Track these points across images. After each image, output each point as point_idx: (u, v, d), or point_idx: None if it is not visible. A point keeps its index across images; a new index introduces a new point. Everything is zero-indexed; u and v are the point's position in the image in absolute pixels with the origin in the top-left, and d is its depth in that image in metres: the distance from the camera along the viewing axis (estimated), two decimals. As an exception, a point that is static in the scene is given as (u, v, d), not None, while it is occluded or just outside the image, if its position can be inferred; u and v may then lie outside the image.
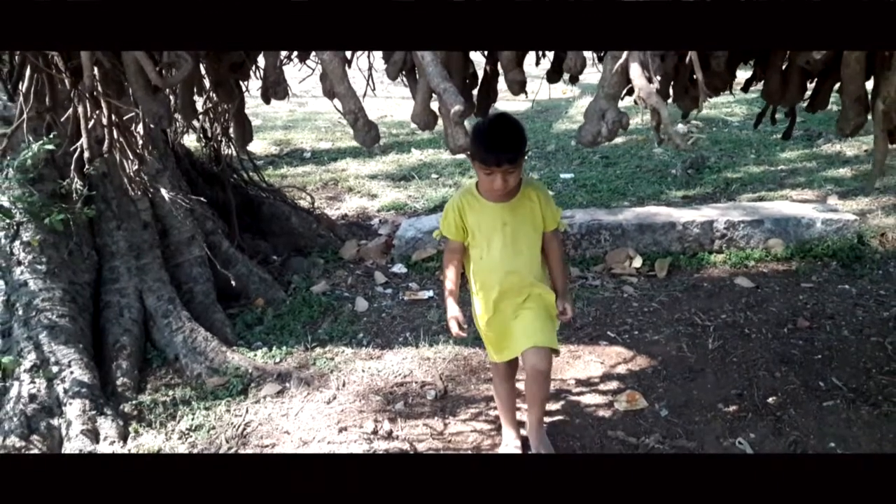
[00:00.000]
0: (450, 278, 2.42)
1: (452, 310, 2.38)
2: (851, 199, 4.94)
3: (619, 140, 6.84)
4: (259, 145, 7.05)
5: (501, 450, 2.59)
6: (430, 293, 3.95)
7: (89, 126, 2.21)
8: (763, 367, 3.06)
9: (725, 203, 4.78)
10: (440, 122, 1.60)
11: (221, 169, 4.45)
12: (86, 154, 2.28)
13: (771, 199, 4.91)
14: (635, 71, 1.14)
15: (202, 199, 3.75)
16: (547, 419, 2.74)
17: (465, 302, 2.53)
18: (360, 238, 4.76)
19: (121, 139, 2.26)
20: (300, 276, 4.16)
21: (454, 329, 2.36)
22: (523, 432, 2.60)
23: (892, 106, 1.18)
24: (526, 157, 2.28)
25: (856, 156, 5.89)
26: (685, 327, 3.44)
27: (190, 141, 4.87)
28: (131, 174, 2.56)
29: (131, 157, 2.42)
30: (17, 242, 3.09)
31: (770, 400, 2.82)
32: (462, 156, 6.36)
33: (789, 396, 2.84)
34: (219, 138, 4.37)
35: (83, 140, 2.23)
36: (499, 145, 2.17)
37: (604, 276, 4.08)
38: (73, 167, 2.81)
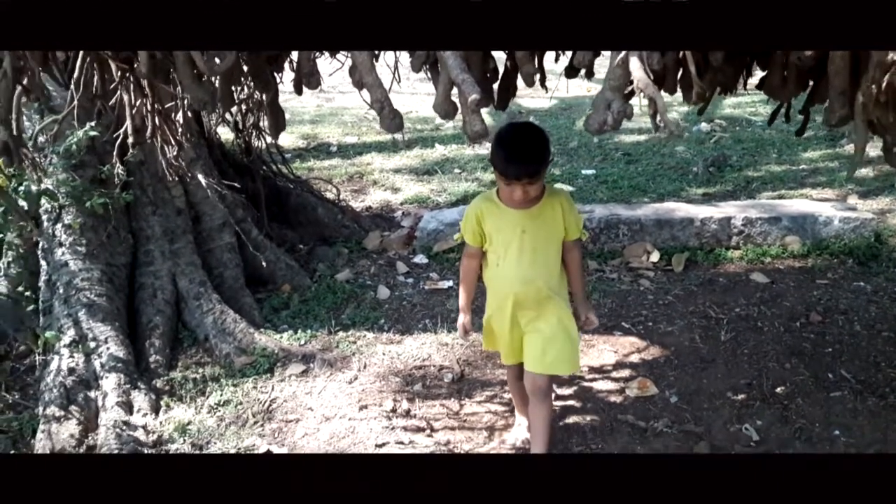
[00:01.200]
0: (465, 283, 2.46)
1: (463, 315, 2.48)
2: (872, 199, 4.97)
3: (641, 137, 6.90)
4: (287, 139, 7.21)
5: (513, 431, 2.69)
6: (450, 283, 4.06)
7: (133, 113, 2.35)
8: (774, 358, 3.13)
9: (744, 200, 4.83)
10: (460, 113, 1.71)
11: (252, 160, 4.60)
12: (130, 139, 2.42)
13: (791, 198, 4.95)
14: (634, 64, 1.24)
15: (235, 184, 3.90)
16: (559, 403, 2.85)
17: (482, 291, 2.62)
18: (384, 229, 4.89)
19: (163, 126, 2.40)
20: (325, 264, 4.29)
21: (461, 333, 2.50)
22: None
23: (869, 99, 1.27)
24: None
25: (879, 156, 5.87)
26: (699, 319, 3.51)
27: (222, 133, 5.03)
28: (171, 159, 2.70)
29: (172, 142, 2.56)
30: (59, 225, 3.26)
31: (778, 390, 2.90)
32: (484, 151, 6.45)
33: (798, 387, 2.91)
34: (250, 131, 4.52)
35: (128, 125, 2.37)
36: (520, 158, 2.13)
37: (621, 269, 4.16)
38: (115, 153, 2.97)
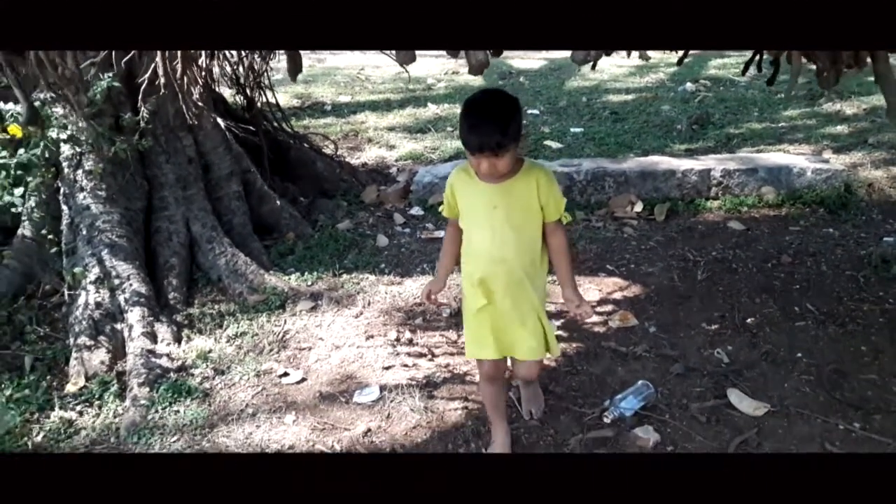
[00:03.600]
0: (444, 253, 2.36)
1: (435, 282, 2.38)
2: (845, 154, 5.22)
3: (628, 97, 7.11)
4: (281, 98, 7.34)
5: (494, 446, 2.44)
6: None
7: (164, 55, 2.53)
8: (745, 295, 3.40)
9: (724, 154, 5.07)
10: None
11: (253, 115, 4.78)
12: (161, 80, 2.61)
13: (768, 153, 5.20)
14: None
15: (250, 127, 4.04)
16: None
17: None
18: (380, 184, 5.10)
19: (188, 68, 2.59)
20: (326, 215, 4.51)
21: (424, 295, 2.40)
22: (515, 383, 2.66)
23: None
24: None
25: (854, 114, 6.14)
26: (678, 262, 3.78)
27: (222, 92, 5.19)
28: (196, 101, 2.89)
29: (199, 83, 2.75)
30: (79, 171, 3.45)
31: (749, 320, 3.17)
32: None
33: (766, 318, 3.19)
34: (252, 86, 4.69)
35: (158, 65, 2.54)
36: (482, 129, 1.99)
37: (606, 219, 4.41)
38: (140, 98, 3.15)
